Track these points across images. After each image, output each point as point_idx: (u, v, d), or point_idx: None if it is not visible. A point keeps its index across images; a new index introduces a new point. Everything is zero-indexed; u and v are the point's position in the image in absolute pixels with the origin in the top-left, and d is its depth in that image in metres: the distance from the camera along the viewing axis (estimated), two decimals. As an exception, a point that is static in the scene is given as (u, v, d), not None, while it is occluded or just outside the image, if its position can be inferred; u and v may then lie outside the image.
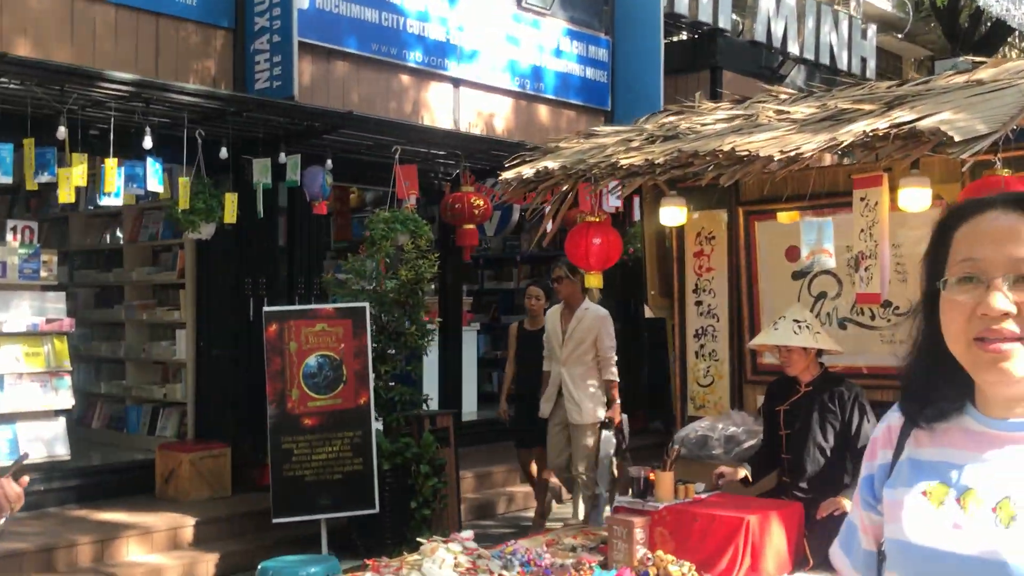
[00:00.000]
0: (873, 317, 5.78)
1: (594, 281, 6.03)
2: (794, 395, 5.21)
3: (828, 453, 5.07)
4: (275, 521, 6.86)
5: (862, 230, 5.09)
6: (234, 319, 8.13)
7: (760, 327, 6.23)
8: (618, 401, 6.75)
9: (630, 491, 4.97)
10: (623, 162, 5.21)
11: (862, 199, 5.11)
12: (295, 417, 6.91)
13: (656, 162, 5.05)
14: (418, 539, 6.98)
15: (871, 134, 4.36)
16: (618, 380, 6.75)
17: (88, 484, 7.54)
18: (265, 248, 8.11)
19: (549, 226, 6.17)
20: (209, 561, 6.72)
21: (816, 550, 4.67)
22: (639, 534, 4.62)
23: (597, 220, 6.07)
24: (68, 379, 7.45)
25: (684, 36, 11.99)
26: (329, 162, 7.82)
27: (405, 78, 9.29)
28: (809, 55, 12.58)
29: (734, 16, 11.99)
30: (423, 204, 9.06)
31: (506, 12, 10.07)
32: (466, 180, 9.02)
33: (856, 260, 5.12)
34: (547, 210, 6.15)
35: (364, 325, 7.04)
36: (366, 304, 7.08)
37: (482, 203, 8.81)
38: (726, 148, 4.70)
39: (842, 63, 13.09)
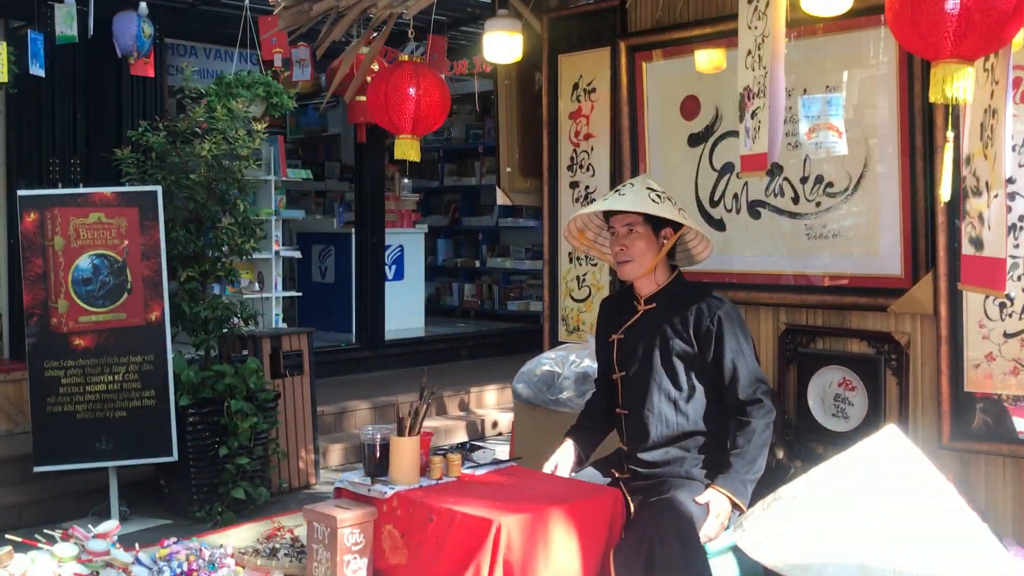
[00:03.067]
0: (797, 199, 3.81)
1: (410, 151, 4.16)
2: (629, 317, 3.33)
3: (682, 408, 3.20)
4: (36, 470, 5.29)
5: (749, 52, 3.12)
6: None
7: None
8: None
9: (362, 464, 3.19)
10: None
11: (749, 2, 3.12)
12: (62, 336, 5.28)
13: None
14: (233, 495, 5.47)
15: None
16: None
17: None
18: (66, 119, 6.39)
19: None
20: (-44, 521, 5.18)
21: (626, 569, 2.85)
22: (348, 538, 2.85)
23: (413, 60, 4.17)
24: None
25: None
26: (144, 6, 6.03)
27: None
28: None
29: None
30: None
31: None
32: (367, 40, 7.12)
33: (740, 102, 3.16)
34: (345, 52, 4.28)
35: (155, 215, 5.31)
36: (157, 188, 5.34)
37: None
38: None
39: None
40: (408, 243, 9.62)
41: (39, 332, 5.26)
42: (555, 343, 4.65)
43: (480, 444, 3.43)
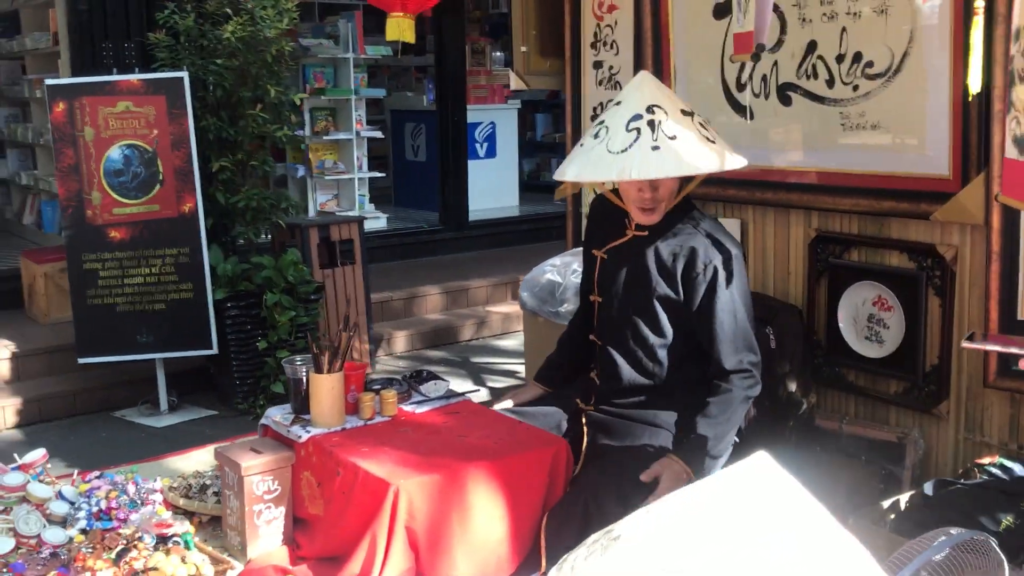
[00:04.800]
0: (832, 82, 3.18)
1: (403, 31, 3.74)
2: (616, 237, 2.85)
3: (658, 355, 2.74)
4: (81, 361, 5.31)
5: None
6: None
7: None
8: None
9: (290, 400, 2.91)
10: None
11: None
12: (98, 229, 5.19)
13: None
14: (273, 389, 5.36)
15: None
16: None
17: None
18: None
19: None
20: (8, 407, 5.29)
21: (560, 538, 2.48)
22: (258, 486, 2.61)
23: (407, -73, 3.71)
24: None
25: None
26: None
27: None
28: None
29: None
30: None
31: None
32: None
33: (732, -32, 2.58)
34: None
35: (183, 103, 5.08)
36: (183, 74, 5.09)
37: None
38: None
39: None
40: (500, 119, 9.17)
41: (75, 224, 5.19)
42: (578, 243, 4.21)
43: (436, 374, 3.08)
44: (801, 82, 3.26)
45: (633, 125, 2.52)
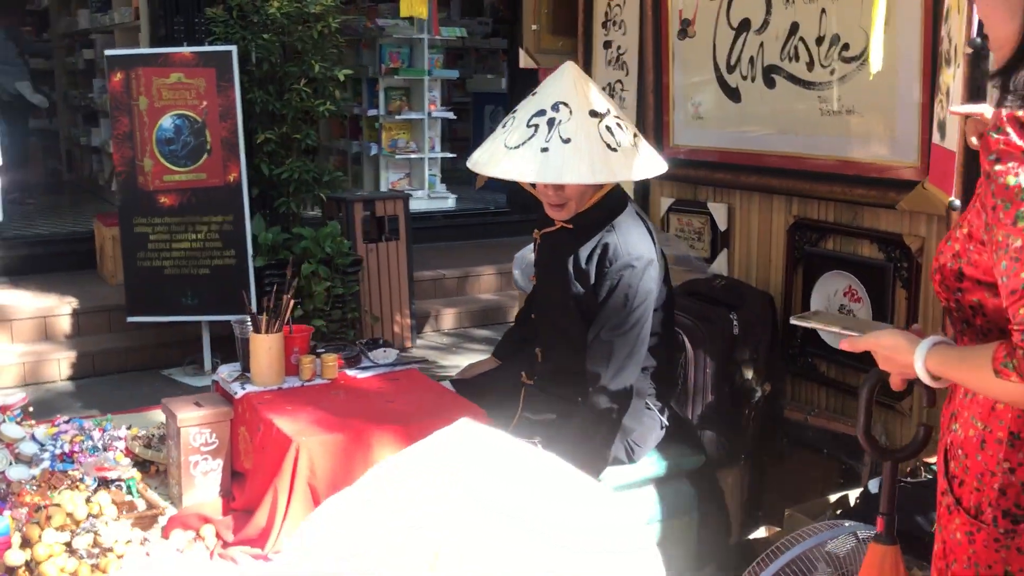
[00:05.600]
0: (812, 64, 3.09)
1: (417, 6, 3.82)
2: (549, 224, 2.84)
3: (580, 350, 2.71)
4: (129, 320, 5.59)
5: None
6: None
7: (668, 83, 3.70)
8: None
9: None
10: None
11: None
12: (149, 194, 5.46)
13: None
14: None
15: None
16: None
17: (19, 256, 6.70)
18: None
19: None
20: (64, 360, 5.63)
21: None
22: (196, 438, 2.73)
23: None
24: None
25: None
26: None
27: None
28: None
29: None
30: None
31: None
32: None
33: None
34: None
35: (231, 76, 5.29)
36: (232, 48, 5.29)
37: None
38: None
39: None
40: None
41: (128, 189, 5.47)
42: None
43: (389, 343, 3.13)
44: (784, 64, 3.18)
45: (534, 121, 2.47)
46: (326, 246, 5.48)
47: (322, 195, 5.71)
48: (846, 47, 2.96)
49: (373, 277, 5.99)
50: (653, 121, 3.78)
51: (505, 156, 2.47)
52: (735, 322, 3.08)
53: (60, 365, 5.62)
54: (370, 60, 8.29)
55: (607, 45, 4.01)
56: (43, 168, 9.78)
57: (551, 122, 2.45)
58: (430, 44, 8.22)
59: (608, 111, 2.54)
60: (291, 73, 5.41)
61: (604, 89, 4.07)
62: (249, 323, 2.92)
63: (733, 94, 3.40)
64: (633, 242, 2.60)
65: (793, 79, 3.16)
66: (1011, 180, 1.29)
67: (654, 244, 2.66)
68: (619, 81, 3.99)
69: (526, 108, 2.55)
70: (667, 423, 2.80)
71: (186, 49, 5.42)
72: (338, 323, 5.57)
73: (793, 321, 1.79)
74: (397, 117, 8.27)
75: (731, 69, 3.39)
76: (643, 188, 3.89)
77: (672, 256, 3.62)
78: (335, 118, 8.60)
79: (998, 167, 1.31)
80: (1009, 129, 1.31)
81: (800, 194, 3.20)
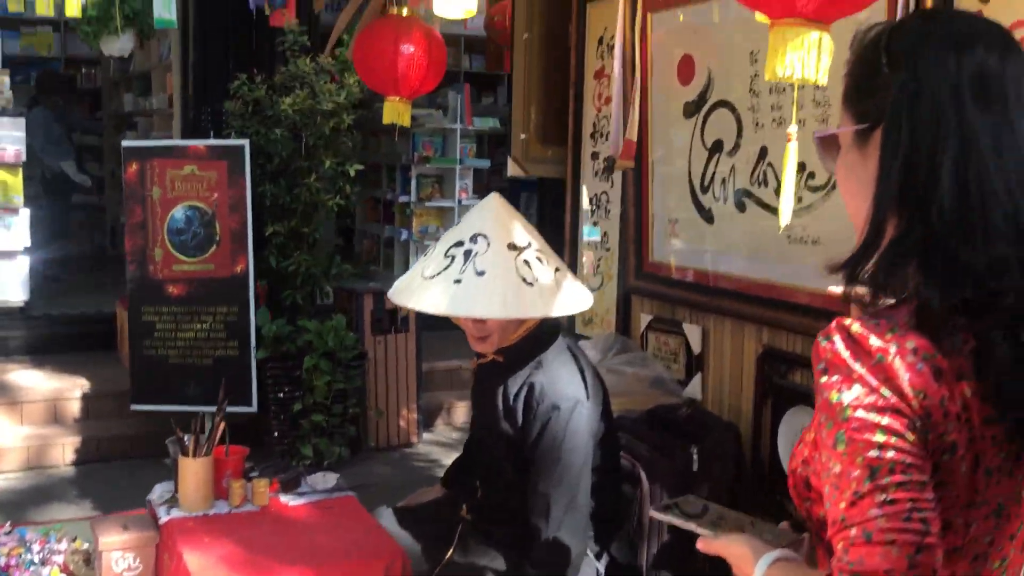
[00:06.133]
0: (780, 191, 2.98)
1: (399, 115, 3.82)
2: (482, 358, 2.73)
3: (508, 481, 2.59)
4: (132, 408, 5.60)
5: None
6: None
7: (647, 199, 3.62)
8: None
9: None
10: None
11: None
12: (158, 283, 5.51)
13: None
14: (303, 451, 5.45)
15: None
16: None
17: (42, 336, 6.81)
18: (213, 64, 6.56)
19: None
20: (69, 445, 5.66)
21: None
22: (118, 563, 2.67)
23: (404, 14, 3.81)
24: (21, 215, 6.61)
25: None
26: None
27: None
28: None
29: None
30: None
31: None
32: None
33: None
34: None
35: (243, 169, 5.35)
36: (244, 142, 5.35)
37: None
38: None
39: None
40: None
41: (138, 278, 5.53)
42: (574, 335, 4.10)
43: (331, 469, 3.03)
44: (754, 189, 3.08)
45: (452, 252, 2.40)
46: (329, 339, 5.45)
47: (328, 288, 5.70)
48: (812, 176, 2.85)
49: (380, 370, 5.93)
50: (633, 235, 3.68)
51: (420, 286, 2.40)
52: (695, 456, 2.94)
53: (65, 450, 5.64)
54: (404, 148, 8.37)
55: (595, 156, 3.95)
56: (89, 244, 10.01)
57: (467, 253, 2.37)
58: (463, 134, 8.27)
59: (529, 244, 2.45)
60: (302, 168, 5.45)
61: (591, 200, 4.00)
62: (185, 441, 2.87)
63: (707, 215, 3.30)
64: (560, 382, 2.48)
65: (762, 204, 3.05)
66: (834, 396, 1.17)
67: (584, 383, 2.53)
68: (605, 193, 3.92)
69: (447, 238, 2.49)
70: (603, 571, 2.64)
71: (200, 142, 5.50)
72: (339, 417, 5.51)
73: (652, 514, 1.67)
74: (427, 204, 8.30)
75: (704, 190, 3.30)
76: (625, 302, 3.79)
77: (648, 377, 3.50)
78: (371, 200, 8.72)
79: (824, 379, 1.19)
80: (837, 337, 1.19)
81: (770, 323, 3.07)
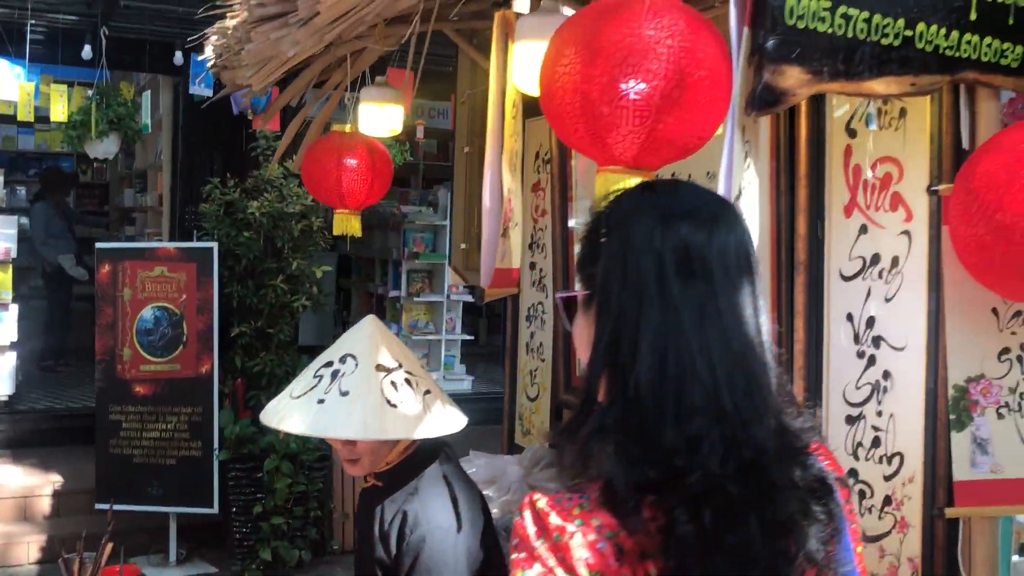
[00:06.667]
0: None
1: (349, 226, 3.86)
2: (365, 482, 2.69)
3: None
4: (97, 507, 5.60)
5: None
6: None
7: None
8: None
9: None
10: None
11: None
12: (125, 383, 5.56)
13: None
14: (262, 555, 5.39)
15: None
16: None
17: (26, 430, 6.86)
18: (199, 166, 6.71)
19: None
20: (34, 543, 5.65)
21: None
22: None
23: (348, 130, 3.88)
24: (11, 311, 6.75)
25: None
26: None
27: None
28: None
29: None
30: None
31: None
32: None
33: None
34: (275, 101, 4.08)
35: (210, 271, 5.42)
36: (213, 244, 5.44)
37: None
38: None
39: None
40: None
41: (106, 377, 5.58)
42: (512, 445, 4.07)
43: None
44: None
45: (320, 371, 2.39)
46: (291, 441, 5.44)
47: (294, 389, 5.70)
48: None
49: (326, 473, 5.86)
50: (563, 347, 3.67)
51: (287, 407, 2.39)
52: None
53: (30, 548, 5.63)
54: (395, 243, 8.46)
55: (532, 267, 3.97)
56: (88, 336, 10.14)
57: (335, 374, 2.36)
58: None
59: (399, 366, 2.43)
60: (270, 269, 5.52)
61: (528, 310, 4.00)
62: (85, 560, 2.85)
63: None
64: (430, 510, 2.43)
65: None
66: (518, 575, 1.14)
67: (456, 513, 2.48)
68: (539, 303, 3.92)
69: (319, 359, 2.48)
70: None
71: (171, 244, 5.61)
72: (300, 520, 5.47)
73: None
74: (416, 299, 8.35)
75: (621, 306, 3.29)
76: (558, 413, 3.75)
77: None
78: (365, 294, 8.78)
79: (514, 555, 1.17)
80: (527, 512, 1.17)
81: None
